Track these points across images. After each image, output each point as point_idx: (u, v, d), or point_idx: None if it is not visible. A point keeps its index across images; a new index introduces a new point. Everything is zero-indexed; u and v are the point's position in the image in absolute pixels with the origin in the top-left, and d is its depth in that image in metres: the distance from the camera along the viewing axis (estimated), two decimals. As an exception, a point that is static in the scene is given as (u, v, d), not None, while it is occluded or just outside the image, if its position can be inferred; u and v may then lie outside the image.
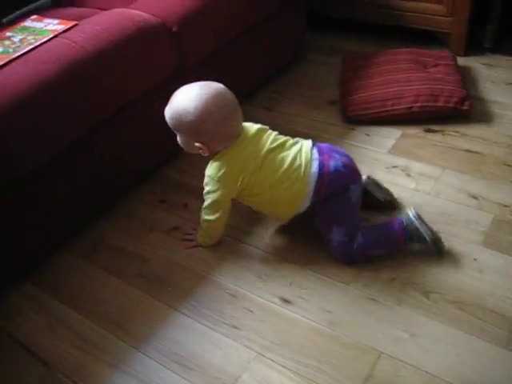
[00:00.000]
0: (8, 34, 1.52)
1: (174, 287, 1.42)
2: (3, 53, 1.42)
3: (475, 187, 1.56)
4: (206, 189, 1.43)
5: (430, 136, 1.76)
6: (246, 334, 1.29)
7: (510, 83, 1.92)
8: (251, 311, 1.34)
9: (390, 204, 1.52)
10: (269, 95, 2.02)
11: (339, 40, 2.32)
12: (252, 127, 1.43)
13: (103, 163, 1.55)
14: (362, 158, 1.71)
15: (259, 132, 1.42)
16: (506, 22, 2.01)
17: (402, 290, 1.33)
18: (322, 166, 1.37)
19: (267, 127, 1.45)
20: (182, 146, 1.44)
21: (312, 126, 1.82)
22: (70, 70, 1.37)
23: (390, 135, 1.79)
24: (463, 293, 1.31)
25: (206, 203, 1.44)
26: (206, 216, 1.46)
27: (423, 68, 1.87)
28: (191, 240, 1.53)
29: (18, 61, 1.39)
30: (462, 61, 2.00)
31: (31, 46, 1.43)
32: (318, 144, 1.43)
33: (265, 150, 1.39)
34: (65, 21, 1.54)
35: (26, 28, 1.53)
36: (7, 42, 1.47)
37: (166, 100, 1.38)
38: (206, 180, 1.43)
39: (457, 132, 1.76)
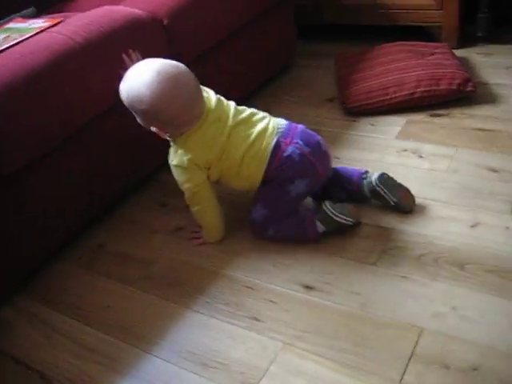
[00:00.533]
0: (-10, 34, 1.45)
1: (184, 286, 1.29)
2: (-15, 49, 1.34)
3: (493, 161, 1.48)
4: (179, 180, 1.33)
5: (437, 120, 1.69)
6: (269, 325, 1.16)
7: (510, 67, 1.89)
8: (273, 302, 1.21)
9: (399, 208, 1.37)
10: (265, 99, 1.95)
11: (328, 45, 2.28)
12: (210, 101, 1.31)
13: (96, 165, 1.44)
14: (369, 145, 1.64)
15: (219, 105, 1.32)
16: (497, 9, 1.99)
17: (434, 265, 1.22)
18: (276, 148, 1.29)
19: (222, 98, 1.35)
20: (142, 126, 1.31)
21: (314, 122, 1.73)
22: (58, 60, 1.29)
23: (395, 123, 1.71)
24: (500, 261, 1.20)
25: (186, 195, 1.35)
26: (195, 206, 1.36)
27: (420, 57, 1.82)
28: (198, 237, 1.41)
29: (1, 55, 1.30)
30: (457, 53, 1.95)
31: (16, 41, 1.35)
32: (292, 125, 1.34)
33: (229, 125, 1.30)
34: (50, 19, 1.47)
35: (9, 29, 1.46)
36: (-11, 41, 1.39)
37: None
38: (174, 172, 1.33)
39: (464, 114, 1.69)
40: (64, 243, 1.45)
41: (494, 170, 1.45)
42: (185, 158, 1.29)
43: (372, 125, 1.73)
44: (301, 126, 1.35)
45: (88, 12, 1.47)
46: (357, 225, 1.35)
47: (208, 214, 1.38)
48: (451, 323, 1.09)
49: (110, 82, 1.38)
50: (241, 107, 1.36)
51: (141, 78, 1.23)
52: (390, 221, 1.35)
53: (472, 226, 1.30)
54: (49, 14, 1.62)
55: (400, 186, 1.37)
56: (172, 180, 1.35)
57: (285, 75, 2.09)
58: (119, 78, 1.26)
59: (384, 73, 1.78)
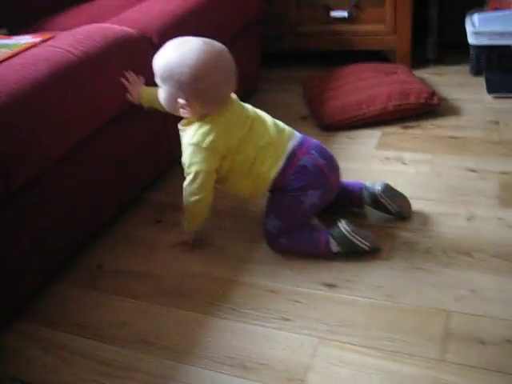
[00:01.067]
0: (-25, 50, 1.38)
1: (202, 296, 1.27)
2: (-23, 63, 1.28)
3: (470, 163, 1.60)
4: (190, 161, 1.28)
5: (410, 131, 1.80)
6: (301, 323, 1.16)
7: (462, 84, 2.06)
8: (299, 302, 1.22)
9: (400, 215, 1.42)
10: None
11: (288, 71, 2.37)
12: (233, 95, 1.34)
13: (93, 179, 1.40)
14: (353, 156, 1.71)
15: (238, 101, 1.35)
16: (443, 35, 2.18)
17: (444, 255, 1.29)
18: (291, 156, 1.30)
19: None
20: (162, 100, 1.30)
21: (293, 138, 1.79)
22: (60, 71, 1.25)
23: (371, 135, 1.81)
24: (502, 247, 1.29)
25: (189, 179, 1.29)
26: (192, 196, 1.31)
27: (385, 75, 1.95)
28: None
29: (0, 65, 1.25)
30: (410, 74, 2.12)
31: (9, 55, 1.30)
32: (306, 137, 1.37)
33: (250, 118, 1.32)
34: (38, 35, 1.44)
35: (-7, 46, 1.40)
36: (-22, 56, 1.33)
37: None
38: (188, 150, 1.28)
39: (432, 125, 1.82)
40: (61, 265, 1.37)
41: (473, 171, 1.57)
42: (207, 139, 1.26)
43: (350, 138, 1.81)
44: (315, 140, 1.37)
45: (78, 29, 1.45)
46: (375, 251, 1.32)
47: (203, 204, 1.33)
48: (474, 304, 1.15)
49: (109, 96, 1.38)
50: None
51: (186, 45, 1.24)
52: (391, 220, 1.42)
53: (468, 219, 1.39)
54: (28, 33, 1.57)
55: (400, 194, 1.42)
56: (164, 198, 1.33)
57: (252, 99, 2.13)
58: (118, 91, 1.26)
59: (355, 90, 1.88)
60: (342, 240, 1.30)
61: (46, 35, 1.42)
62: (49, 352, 1.18)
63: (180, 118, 1.34)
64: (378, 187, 1.39)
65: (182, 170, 1.32)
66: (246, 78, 2.12)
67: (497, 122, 1.80)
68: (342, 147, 1.76)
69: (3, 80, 1.18)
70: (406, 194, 1.45)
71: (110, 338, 1.19)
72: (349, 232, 1.29)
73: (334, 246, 1.31)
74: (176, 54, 1.24)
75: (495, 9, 2.07)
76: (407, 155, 1.68)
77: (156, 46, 1.51)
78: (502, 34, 1.97)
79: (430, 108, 1.83)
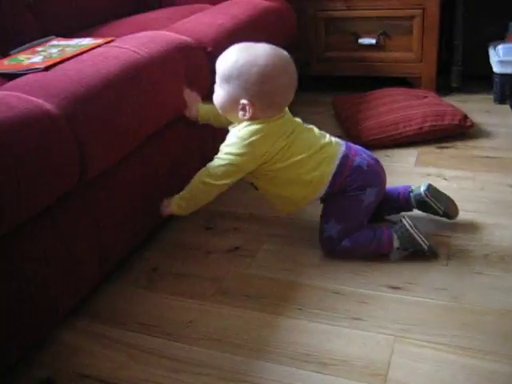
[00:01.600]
0: (39, 49, 1.39)
1: (266, 298, 1.25)
2: (47, 57, 1.28)
3: (510, 180, 1.64)
4: (229, 149, 1.29)
5: (446, 151, 1.85)
6: (372, 323, 1.15)
7: (487, 110, 2.13)
8: (366, 303, 1.21)
9: (447, 216, 1.46)
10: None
11: (317, 95, 2.42)
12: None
13: (151, 179, 1.39)
14: (393, 172, 1.72)
15: (289, 113, 1.39)
16: (468, 63, 2.27)
17: (502, 261, 1.31)
18: (345, 158, 1.34)
19: None
20: (218, 101, 1.32)
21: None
22: (130, 68, 1.26)
23: (408, 154, 1.85)
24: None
25: (218, 163, 1.29)
26: (210, 178, 1.29)
27: (417, 99, 2.01)
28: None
29: (70, 62, 1.26)
30: (435, 101, 2.18)
31: (77, 53, 1.31)
32: (350, 143, 1.41)
33: (298, 129, 1.35)
34: (99, 38, 1.45)
35: (55, 45, 1.41)
36: (44, 53, 1.33)
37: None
38: (232, 140, 1.30)
39: (467, 145, 1.87)
40: (118, 266, 1.35)
41: (515, 187, 1.62)
42: (252, 138, 1.27)
43: (387, 156, 1.84)
44: (358, 146, 1.42)
45: (138, 34, 1.48)
46: (431, 254, 1.33)
47: (212, 191, 1.32)
48: (549, 305, 1.17)
49: (169, 97, 1.40)
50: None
51: (255, 47, 1.30)
52: (445, 231, 1.43)
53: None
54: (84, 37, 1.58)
55: (446, 195, 1.46)
56: (211, 206, 1.38)
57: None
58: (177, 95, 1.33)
59: (390, 111, 1.93)
60: (404, 235, 1.32)
61: (107, 38, 1.44)
62: (115, 349, 1.15)
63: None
64: (422, 187, 1.44)
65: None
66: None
67: (527, 145, 1.87)
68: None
69: (79, 73, 1.19)
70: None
71: (177, 336, 1.16)
72: (411, 226, 1.32)
73: (396, 242, 1.33)
74: (245, 54, 1.27)
75: (516, 41, 2.18)
76: (447, 172, 1.72)
77: (210, 55, 1.55)
78: (525, 64, 2.06)
79: (463, 130, 1.89)
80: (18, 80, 1.16)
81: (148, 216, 1.41)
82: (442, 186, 1.63)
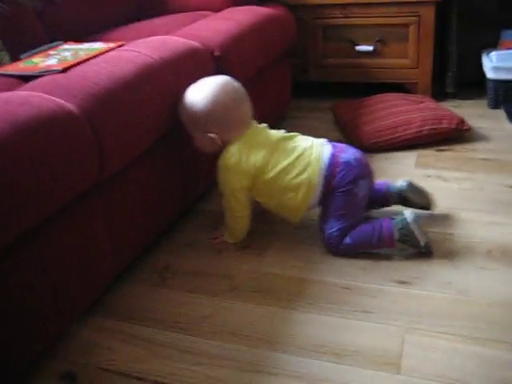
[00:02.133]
0: (51, 52, 1.42)
1: (277, 293, 1.29)
2: (61, 60, 1.31)
3: (509, 181, 1.69)
4: (221, 181, 1.42)
5: (444, 153, 1.90)
6: (383, 315, 1.19)
7: (482, 115, 2.19)
8: (375, 297, 1.25)
9: (425, 209, 1.53)
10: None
11: (315, 101, 2.48)
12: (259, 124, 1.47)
13: (161, 181, 1.42)
14: (393, 173, 1.78)
15: (266, 127, 1.47)
16: (462, 70, 2.33)
17: (504, 257, 1.35)
18: (332, 157, 1.39)
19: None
20: (198, 146, 1.45)
21: (333, 157, 1.87)
22: (144, 71, 1.31)
23: (407, 157, 1.89)
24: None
25: (224, 197, 1.44)
26: (228, 211, 1.45)
27: (414, 103, 2.06)
28: (217, 237, 1.51)
29: (86, 64, 1.29)
30: (430, 106, 2.24)
31: (90, 56, 1.34)
32: (334, 142, 1.47)
33: (276, 137, 1.43)
34: (110, 42, 1.48)
35: (67, 49, 1.44)
36: (58, 56, 1.36)
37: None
38: (219, 172, 1.41)
39: (464, 148, 1.92)
40: (131, 264, 1.38)
41: (514, 187, 1.67)
42: (231, 160, 1.39)
43: (387, 159, 1.89)
44: (342, 144, 1.48)
45: (147, 38, 1.52)
46: (427, 252, 1.37)
47: (238, 220, 1.45)
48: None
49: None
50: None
51: (208, 88, 1.39)
52: (448, 228, 1.48)
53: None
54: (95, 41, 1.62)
55: (423, 190, 1.52)
56: (216, 208, 1.49)
57: (284, 125, 2.21)
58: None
59: (389, 115, 1.98)
60: (404, 227, 1.36)
61: (118, 42, 1.47)
62: (133, 344, 1.17)
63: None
64: (401, 183, 1.51)
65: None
66: (278, 105, 2.22)
67: (523, 147, 1.93)
68: (381, 166, 1.84)
69: (96, 75, 1.23)
70: (452, 206, 1.57)
71: (193, 330, 1.19)
72: (412, 220, 1.36)
73: (396, 233, 1.37)
74: (204, 95, 1.40)
75: (507, 48, 2.24)
76: (447, 173, 1.76)
77: (217, 59, 1.60)
78: (519, 70, 2.13)
79: (461, 133, 1.94)
80: (38, 81, 1.20)
81: (160, 216, 1.44)
82: (442, 186, 1.69)
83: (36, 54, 1.47)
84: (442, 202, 1.59)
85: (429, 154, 1.91)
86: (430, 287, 1.27)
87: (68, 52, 1.39)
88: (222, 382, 1.06)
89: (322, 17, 2.34)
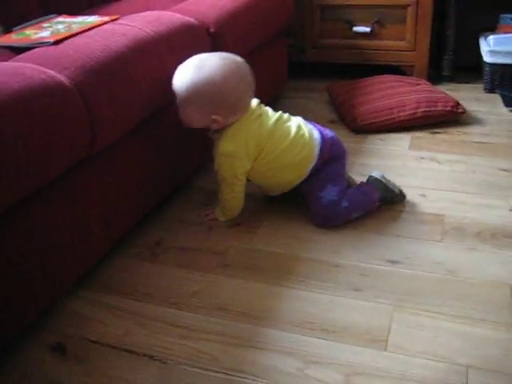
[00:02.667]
0: (45, 25, 1.40)
1: (267, 270, 1.29)
2: (54, 32, 1.30)
3: (502, 164, 1.70)
4: (222, 166, 1.39)
5: (438, 136, 1.90)
6: (372, 293, 1.20)
7: (477, 99, 2.19)
8: (364, 275, 1.26)
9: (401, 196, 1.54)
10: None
11: (311, 81, 2.47)
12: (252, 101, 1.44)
13: (152, 157, 1.42)
14: (387, 154, 1.79)
15: (258, 105, 1.44)
16: (459, 53, 2.33)
17: (493, 238, 1.36)
18: (321, 133, 1.46)
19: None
20: (187, 120, 1.38)
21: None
22: (137, 45, 1.29)
23: (402, 138, 1.89)
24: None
25: (222, 180, 1.42)
26: (225, 194, 1.44)
27: (410, 85, 2.05)
28: (209, 214, 1.51)
29: (78, 36, 1.28)
30: (426, 89, 2.23)
31: (84, 29, 1.33)
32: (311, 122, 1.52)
33: (272, 119, 1.42)
34: (104, 16, 1.47)
35: (61, 22, 1.42)
36: (51, 28, 1.35)
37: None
38: (219, 158, 1.39)
39: (458, 131, 1.92)
40: (122, 239, 1.38)
41: (506, 170, 1.66)
42: (234, 147, 1.37)
43: (381, 140, 1.89)
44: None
45: (143, 13, 1.50)
46: (402, 197, 1.50)
47: (237, 201, 1.45)
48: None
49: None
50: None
51: (206, 64, 1.32)
52: (439, 210, 1.48)
53: (510, 210, 1.48)
54: (91, 14, 1.60)
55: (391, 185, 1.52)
56: (210, 185, 1.51)
57: (279, 105, 2.21)
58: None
59: (384, 96, 1.97)
60: (379, 185, 1.48)
61: (113, 16, 1.46)
62: (122, 317, 1.18)
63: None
64: (378, 173, 1.53)
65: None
66: (274, 84, 2.20)
67: (517, 131, 1.94)
68: (375, 147, 1.84)
69: (88, 48, 1.21)
70: (444, 188, 1.59)
71: (183, 305, 1.20)
72: (382, 177, 1.50)
73: (376, 193, 1.47)
74: (200, 75, 1.32)
75: (505, 32, 2.23)
76: (440, 156, 1.77)
77: (213, 36, 1.58)
78: (516, 54, 2.12)
79: (455, 116, 1.94)
80: (30, 52, 1.18)
81: (152, 191, 1.44)
82: (435, 168, 1.70)
83: (29, 26, 1.46)
84: (435, 183, 1.61)
85: (423, 136, 1.91)
86: (420, 266, 1.28)
87: (61, 25, 1.38)
88: (211, 356, 1.07)
89: (319, -4, 2.33)
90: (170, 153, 1.49)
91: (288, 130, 1.43)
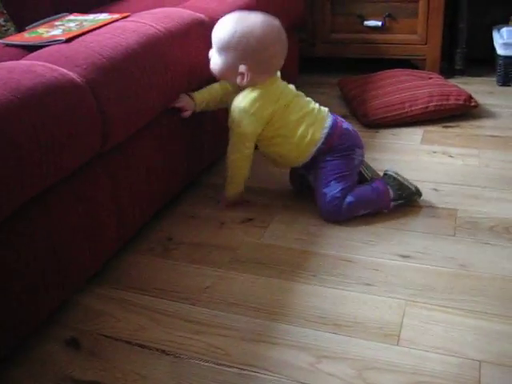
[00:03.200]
0: (56, 23, 1.41)
1: (279, 265, 1.29)
2: (66, 30, 1.31)
3: (515, 158, 1.69)
4: (237, 122, 1.39)
5: (451, 130, 1.89)
6: (384, 288, 1.20)
7: (490, 92, 2.17)
8: (377, 270, 1.26)
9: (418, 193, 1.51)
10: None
11: (322, 76, 2.46)
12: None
13: (163, 154, 1.43)
14: (399, 149, 1.78)
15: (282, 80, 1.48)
16: (472, 46, 2.31)
17: (507, 232, 1.35)
18: (335, 121, 1.46)
19: None
20: (216, 68, 1.41)
21: (338, 133, 1.86)
22: (148, 41, 1.29)
23: (414, 133, 1.89)
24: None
25: (234, 139, 1.42)
26: (231, 154, 1.44)
27: (422, 79, 2.04)
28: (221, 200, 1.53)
29: (90, 34, 1.28)
30: (438, 83, 2.22)
31: (95, 27, 1.33)
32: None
33: (292, 92, 1.45)
34: (114, 13, 1.48)
35: (72, 20, 1.43)
36: (63, 27, 1.36)
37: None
38: (236, 113, 1.39)
39: (471, 125, 1.91)
40: (134, 235, 1.39)
41: (520, 164, 1.66)
42: (255, 105, 1.38)
43: (394, 134, 1.89)
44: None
45: (153, 10, 1.50)
46: (418, 195, 1.48)
47: (243, 163, 1.46)
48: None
49: (185, 71, 1.42)
50: None
51: (250, 17, 1.38)
52: (450, 204, 1.48)
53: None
54: (101, 12, 1.61)
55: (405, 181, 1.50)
56: (222, 181, 1.50)
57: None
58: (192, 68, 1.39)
59: (396, 91, 1.96)
60: (393, 182, 1.46)
61: (123, 14, 1.46)
62: (136, 312, 1.18)
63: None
64: (392, 170, 1.51)
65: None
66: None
67: (532, 125, 1.91)
68: (388, 142, 1.84)
69: (100, 45, 1.22)
70: (457, 182, 1.58)
71: (196, 300, 1.20)
72: (396, 174, 1.48)
73: (390, 192, 1.44)
74: (243, 25, 1.36)
75: (519, 25, 2.21)
76: (453, 150, 1.76)
77: (223, 33, 1.58)
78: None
79: (468, 110, 1.93)
80: (42, 51, 1.19)
81: (164, 187, 1.45)
82: (447, 162, 1.69)
83: (41, 24, 1.47)
84: (447, 178, 1.60)
85: (435, 130, 1.90)
86: (432, 261, 1.27)
87: (73, 23, 1.38)
88: (223, 350, 1.07)
89: (330, -10, 2.31)
90: (182, 149, 1.50)
91: (303, 104, 1.45)
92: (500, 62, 2.17)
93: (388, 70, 2.16)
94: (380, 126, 1.92)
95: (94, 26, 1.34)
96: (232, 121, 1.41)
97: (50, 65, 1.10)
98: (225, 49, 1.37)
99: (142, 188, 1.35)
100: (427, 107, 1.89)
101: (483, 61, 2.38)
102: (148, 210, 1.41)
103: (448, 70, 2.34)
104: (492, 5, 2.35)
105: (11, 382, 1.04)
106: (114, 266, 1.34)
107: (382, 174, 1.52)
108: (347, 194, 1.42)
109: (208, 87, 1.50)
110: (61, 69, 1.10)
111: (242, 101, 1.39)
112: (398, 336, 1.07)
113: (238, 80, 1.39)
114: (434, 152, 1.75)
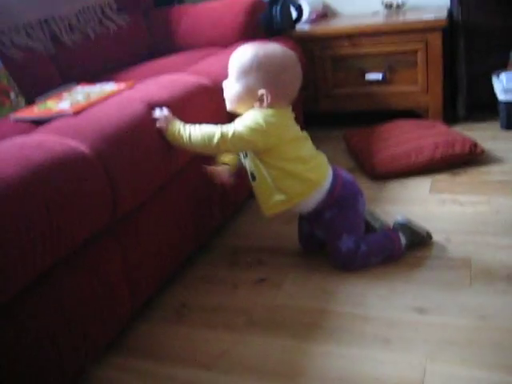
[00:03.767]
0: (64, 94, 1.45)
1: (294, 325, 1.28)
2: (74, 102, 1.35)
3: (525, 203, 1.69)
4: (244, 122, 1.33)
5: (459, 177, 1.88)
6: (403, 344, 1.17)
7: (495, 137, 2.18)
8: (393, 325, 1.23)
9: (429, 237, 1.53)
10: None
11: (326, 130, 2.49)
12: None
13: (173, 219, 1.44)
14: (408, 200, 1.78)
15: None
16: (473, 93, 2.34)
17: (526, 281, 1.33)
18: (336, 171, 1.46)
19: None
20: (233, 95, 1.39)
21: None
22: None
23: (422, 182, 1.89)
24: None
25: (230, 134, 1.30)
26: (222, 145, 1.31)
27: (426, 129, 2.06)
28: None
29: (97, 106, 1.32)
30: (442, 131, 2.23)
31: (102, 97, 1.37)
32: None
33: (300, 133, 1.44)
34: (121, 83, 1.52)
35: (79, 91, 1.47)
36: (71, 98, 1.40)
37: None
38: (248, 115, 1.34)
39: (479, 171, 1.91)
40: (147, 302, 1.38)
41: (530, 209, 1.65)
42: (268, 119, 1.32)
43: (401, 185, 1.88)
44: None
45: (158, 78, 1.55)
46: (429, 239, 1.51)
47: (205, 150, 1.35)
48: None
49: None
50: None
51: (268, 44, 1.41)
52: (463, 254, 1.46)
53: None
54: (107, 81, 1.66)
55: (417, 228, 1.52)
56: (234, 242, 1.52)
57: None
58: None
59: (402, 142, 1.98)
60: (404, 230, 1.49)
61: (129, 82, 1.50)
62: (153, 381, 1.17)
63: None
64: (401, 217, 1.54)
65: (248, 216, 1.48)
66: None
67: (539, 168, 1.91)
68: (396, 193, 1.84)
69: (107, 117, 1.25)
70: (468, 230, 1.57)
71: (212, 366, 1.19)
72: (407, 221, 1.50)
73: (402, 238, 1.47)
74: (264, 49, 1.39)
75: (517, 70, 2.24)
76: (462, 198, 1.75)
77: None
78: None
79: (474, 157, 1.93)
80: (52, 124, 1.23)
81: (174, 252, 1.45)
82: (457, 211, 1.68)
83: (50, 96, 1.51)
84: (459, 226, 1.59)
85: (443, 178, 1.90)
86: (450, 314, 1.25)
87: (80, 94, 1.42)
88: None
89: (330, 48, 2.37)
90: (192, 212, 1.51)
91: (309, 146, 1.45)
92: (502, 107, 2.19)
93: (392, 122, 2.19)
94: (388, 178, 1.92)
95: (101, 97, 1.38)
96: (240, 120, 1.35)
97: (59, 138, 1.13)
98: (246, 73, 1.36)
99: (154, 255, 1.35)
100: (433, 156, 1.90)
101: (485, 106, 2.40)
102: (160, 276, 1.41)
103: (451, 117, 2.37)
104: (490, 51, 2.39)
105: None
106: (129, 335, 1.32)
107: (391, 223, 1.52)
108: (360, 244, 1.43)
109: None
110: (70, 142, 1.12)
111: (257, 111, 1.35)
112: (421, 395, 1.05)
113: (257, 105, 1.37)
114: (443, 201, 1.75)
